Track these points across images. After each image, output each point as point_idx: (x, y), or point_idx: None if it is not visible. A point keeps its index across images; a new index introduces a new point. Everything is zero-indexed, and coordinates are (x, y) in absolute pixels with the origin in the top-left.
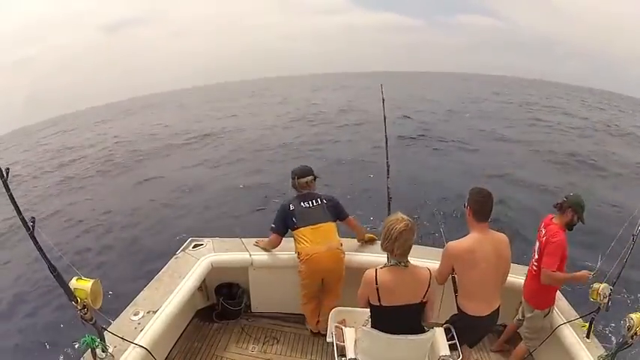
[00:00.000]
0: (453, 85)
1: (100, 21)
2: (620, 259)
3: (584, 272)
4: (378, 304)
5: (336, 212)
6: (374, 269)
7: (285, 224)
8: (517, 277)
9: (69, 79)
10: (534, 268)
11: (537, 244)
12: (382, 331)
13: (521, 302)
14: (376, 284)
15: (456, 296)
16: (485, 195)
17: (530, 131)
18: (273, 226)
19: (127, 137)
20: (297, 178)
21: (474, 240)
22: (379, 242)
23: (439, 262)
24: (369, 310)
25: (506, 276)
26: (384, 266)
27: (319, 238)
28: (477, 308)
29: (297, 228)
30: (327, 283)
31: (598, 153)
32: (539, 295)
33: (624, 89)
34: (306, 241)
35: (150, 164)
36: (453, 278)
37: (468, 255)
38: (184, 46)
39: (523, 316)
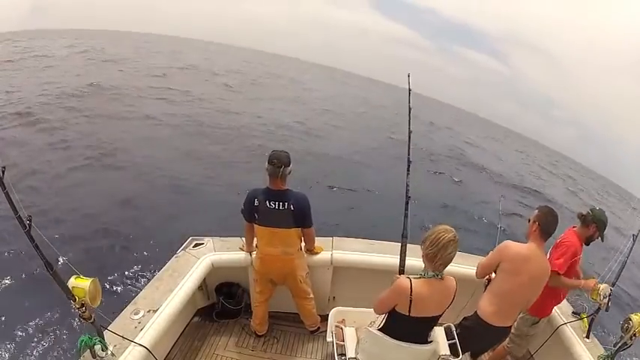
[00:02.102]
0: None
1: None
2: (620, 259)
3: (590, 280)
4: (407, 314)
5: (302, 220)
6: (407, 279)
7: (250, 214)
8: None
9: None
10: None
11: (551, 249)
12: (394, 334)
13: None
14: (411, 296)
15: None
16: (555, 215)
17: None
18: (242, 208)
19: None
20: (273, 167)
21: (530, 249)
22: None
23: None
24: (369, 310)
25: (530, 302)
26: (420, 277)
27: (276, 242)
28: (492, 315)
29: (258, 224)
30: (288, 287)
31: None
32: (538, 299)
33: (614, 175)
34: (263, 241)
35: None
36: (488, 280)
37: (519, 259)
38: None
39: None
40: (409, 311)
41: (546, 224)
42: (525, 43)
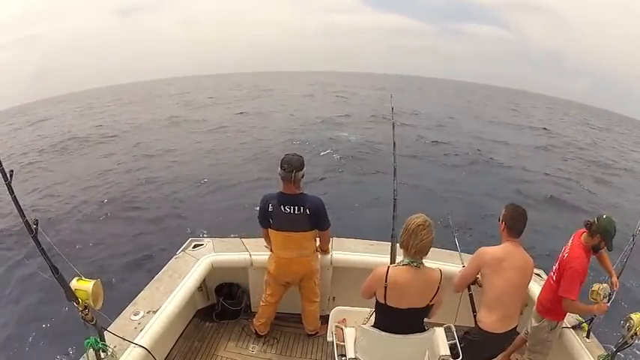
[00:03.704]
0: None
1: (114, 4)
2: (620, 259)
3: (602, 305)
4: (383, 302)
5: (318, 222)
6: (386, 266)
7: (264, 219)
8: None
9: (78, 59)
10: (553, 277)
11: (560, 255)
12: (384, 328)
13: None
14: (385, 282)
15: (474, 315)
16: (520, 212)
17: None
18: (258, 215)
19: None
20: (284, 171)
21: (505, 249)
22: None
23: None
24: (369, 310)
25: (523, 297)
26: (397, 264)
27: (291, 245)
28: (494, 324)
29: (272, 229)
30: (301, 288)
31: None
32: (552, 305)
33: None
34: (278, 244)
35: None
36: (470, 296)
37: (497, 261)
38: (191, 34)
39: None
40: (385, 299)
41: (512, 221)
42: (525, 6)
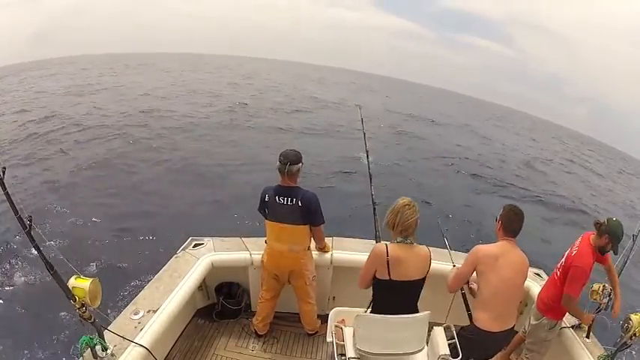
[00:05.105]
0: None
1: None
2: (620, 259)
3: (588, 316)
4: (388, 277)
5: (309, 217)
6: (383, 244)
7: (262, 210)
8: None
9: (78, 24)
10: (557, 274)
11: (567, 252)
12: (384, 308)
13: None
14: (387, 257)
15: (469, 314)
16: (517, 213)
17: None
18: (259, 206)
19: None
20: (280, 164)
21: (501, 247)
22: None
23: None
24: (367, 309)
25: (519, 295)
26: (392, 242)
27: (284, 238)
28: (489, 323)
29: (268, 220)
30: (293, 286)
31: None
32: (554, 302)
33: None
34: (272, 236)
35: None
36: (463, 295)
37: (492, 259)
38: (191, 10)
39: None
40: (389, 274)
41: (508, 222)
42: (527, 24)
